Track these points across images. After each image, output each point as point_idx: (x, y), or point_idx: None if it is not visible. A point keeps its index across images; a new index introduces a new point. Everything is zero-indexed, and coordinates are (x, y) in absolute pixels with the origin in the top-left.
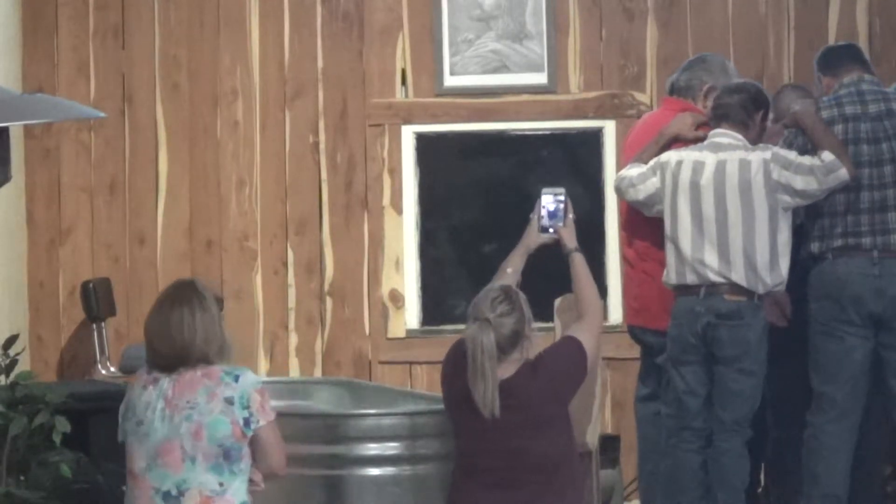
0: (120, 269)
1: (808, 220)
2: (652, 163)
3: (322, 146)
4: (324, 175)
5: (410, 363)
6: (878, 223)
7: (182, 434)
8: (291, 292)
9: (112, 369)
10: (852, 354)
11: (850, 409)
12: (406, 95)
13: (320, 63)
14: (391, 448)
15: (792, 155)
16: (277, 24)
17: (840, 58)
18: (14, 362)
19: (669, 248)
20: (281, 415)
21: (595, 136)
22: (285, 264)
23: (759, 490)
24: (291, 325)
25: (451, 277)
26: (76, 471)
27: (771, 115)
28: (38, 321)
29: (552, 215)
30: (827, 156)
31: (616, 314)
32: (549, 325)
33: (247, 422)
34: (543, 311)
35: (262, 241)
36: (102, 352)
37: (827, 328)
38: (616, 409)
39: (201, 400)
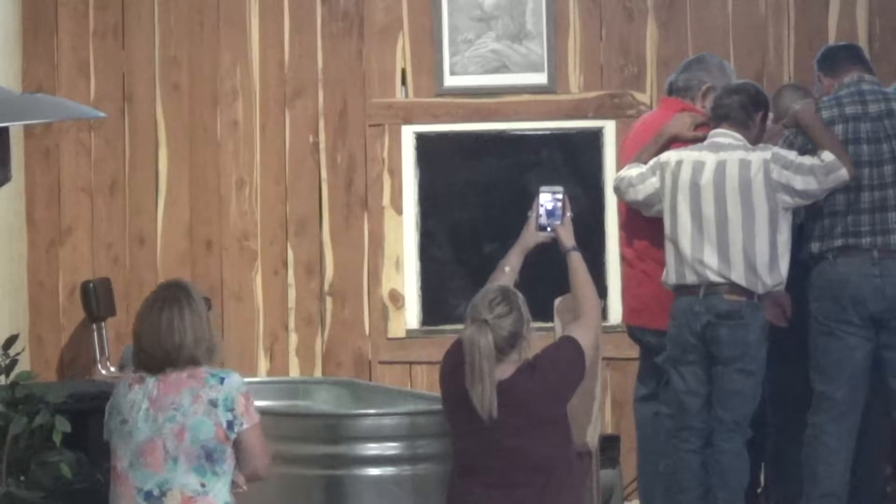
0: (120, 269)
1: (809, 220)
2: (651, 163)
3: (322, 146)
4: (324, 175)
5: (410, 363)
6: (878, 223)
7: (165, 434)
8: (291, 292)
9: (112, 369)
10: (852, 354)
11: (850, 409)
12: (406, 95)
13: (320, 63)
14: (391, 448)
15: (792, 155)
16: (277, 24)
17: (841, 58)
18: (14, 362)
19: (669, 247)
20: (281, 415)
21: (595, 136)
22: (285, 264)
23: (759, 490)
24: (291, 325)
25: (451, 277)
26: (76, 471)
27: (771, 115)
28: (38, 321)
29: (550, 214)
30: (827, 156)
31: (616, 314)
32: (549, 325)
33: (230, 424)
34: (543, 312)
35: (262, 241)
36: (102, 352)
37: (827, 328)
38: (616, 409)
39: (185, 401)
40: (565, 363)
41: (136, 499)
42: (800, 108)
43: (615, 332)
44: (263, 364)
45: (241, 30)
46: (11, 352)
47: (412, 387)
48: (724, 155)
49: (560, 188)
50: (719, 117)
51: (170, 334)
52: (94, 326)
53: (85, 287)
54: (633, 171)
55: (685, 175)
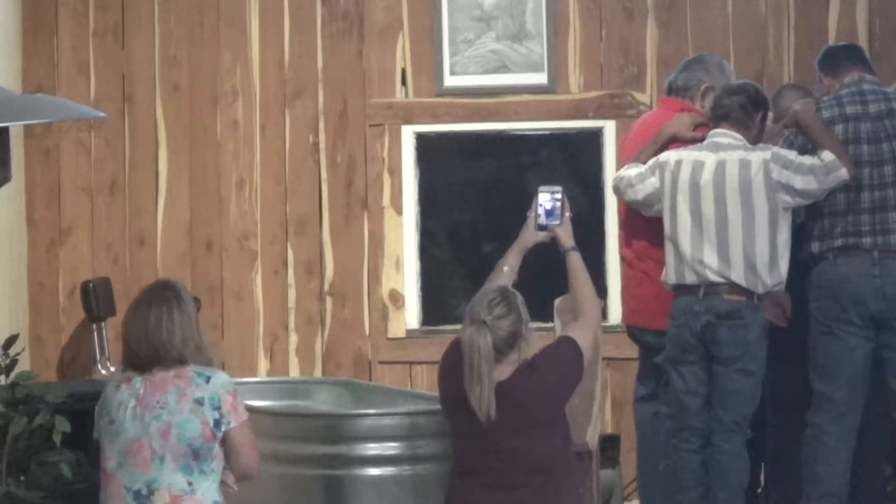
0: (120, 269)
1: (809, 219)
2: (651, 163)
3: (322, 146)
4: (324, 175)
5: (410, 363)
6: (878, 223)
7: (151, 433)
8: (291, 292)
9: (112, 369)
10: (853, 354)
11: (850, 409)
12: (406, 95)
13: (320, 63)
14: (391, 448)
15: (792, 155)
16: (277, 24)
17: (841, 58)
18: (14, 362)
19: (669, 247)
20: (281, 415)
21: (595, 136)
22: (285, 264)
23: (759, 490)
24: (291, 325)
25: (451, 277)
26: (76, 471)
27: (770, 115)
28: (38, 321)
29: (549, 213)
30: (827, 155)
31: (616, 314)
32: (549, 325)
33: (217, 422)
34: (543, 312)
35: (262, 241)
36: (102, 352)
37: (827, 328)
38: (616, 409)
39: (171, 400)
40: (564, 363)
41: (125, 498)
42: (800, 107)
43: (615, 332)
44: (263, 364)
45: (241, 30)
46: (11, 352)
47: (412, 387)
48: (723, 155)
49: (559, 188)
50: (719, 117)
51: (158, 333)
52: (94, 326)
53: (85, 287)
54: (632, 170)
55: (685, 175)
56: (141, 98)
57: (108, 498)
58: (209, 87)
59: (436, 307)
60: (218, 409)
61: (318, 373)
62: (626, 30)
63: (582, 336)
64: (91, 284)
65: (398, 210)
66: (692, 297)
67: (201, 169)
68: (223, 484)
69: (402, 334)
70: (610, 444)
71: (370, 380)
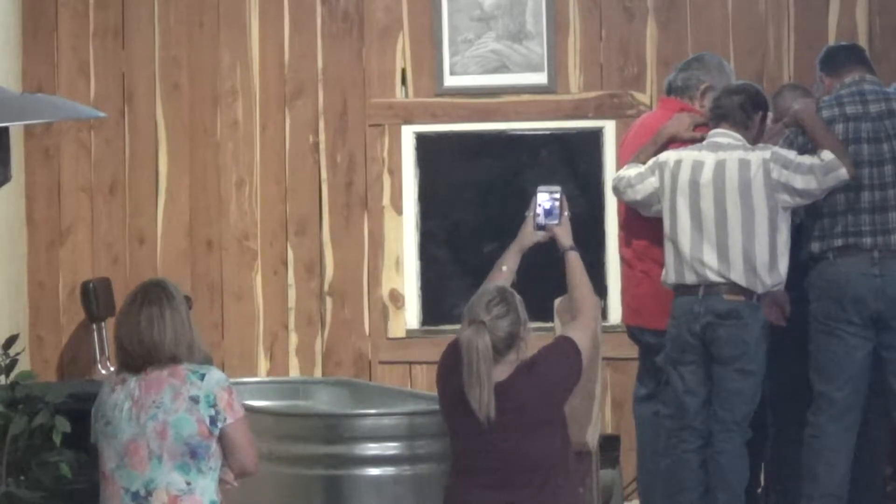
0: (120, 269)
1: (809, 219)
2: (650, 163)
3: (322, 146)
4: (324, 175)
5: (410, 363)
6: (878, 223)
7: (148, 433)
8: (291, 292)
9: (112, 369)
10: (853, 354)
11: (851, 409)
12: (406, 95)
13: (320, 63)
14: (391, 448)
15: (791, 154)
16: (277, 24)
17: (842, 58)
18: (14, 362)
19: (668, 247)
20: (281, 415)
21: (595, 136)
22: (285, 264)
23: (759, 490)
24: (291, 325)
25: (450, 277)
26: (76, 471)
27: (770, 115)
28: (38, 321)
29: (548, 213)
30: (827, 155)
31: (615, 314)
32: (549, 325)
33: (213, 420)
34: (542, 312)
35: (262, 241)
36: (102, 352)
37: (827, 328)
38: (616, 409)
39: (166, 399)
40: (562, 363)
41: (124, 499)
42: (800, 107)
43: (615, 332)
44: (263, 364)
45: (241, 30)
46: (11, 352)
47: (412, 387)
48: (723, 154)
49: (558, 188)
50: (718, 117)
51: (150, 333)
52: (94, 326)
53: (85, 287)
54: (631, 171)
55: (684, 175)
56: (141, 98)
57: (106, 500)
58: (209, 87)
59: (436, 307)
60: (213, 406)
61: (318, 373)
62: (626, 30)
63: (580, 336)
64: (91, 284)
65: (398, 210)
66: (692, 297)
67: (201, 169)
68: (222, 482)
69: (402, 334)
70: (610, 444)
71: (370, 380)
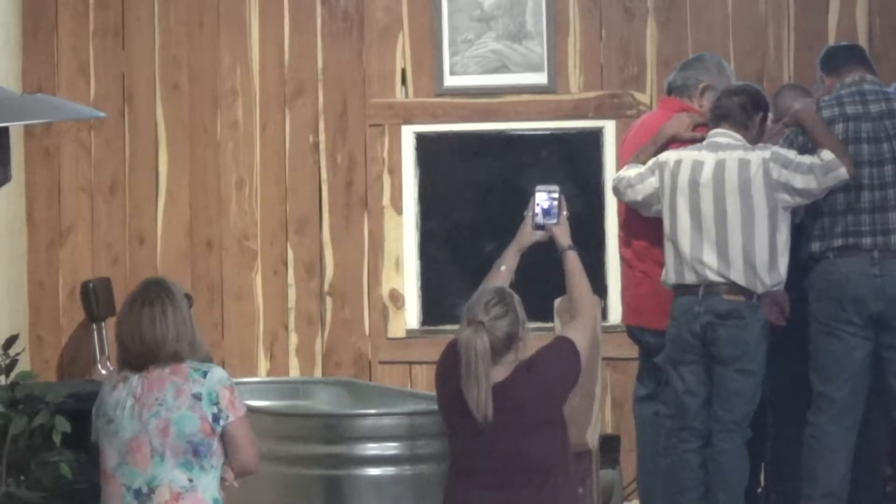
0: (120, 269)
1: (809, 219)
2: (650, 163)
3: (322, 146)
4: (324, 175)
5: (410, 363)
6: (878, 223)
7: (150, 431)
8: (291, 292)
9: (112, 369)
10: (853, 354)
11: (851, 409)
12: (406, 95)
13: (320, 63)
14: (391, 448)
15: (791, 154)
16: (277, 24)
17: (843, 58)
18: (14, 362)
19: (668, 247)
20: (281, 415)
21: (595, 136)
22: (285, 264)
23: (759, 490)
24: (291, 325)
25: (450, 277)
26: (76, 471)
27: (770, 115)
28: (38, 321)
29: (546, 213)
30: (826, 154)
31: (615, 314)
32: (549, 325)
33: (215, 417)
34: (542, 312)
35: (262, 241)
36: (102, 352)
37: (827, 328)
38: (616, 409)
39: (169, 396)
40: (561, 364)
41: (126, 497)
42: (800, 107)
43: (615, 332)
44: (263, 364)
45: (241, 30)
46: (11, 352)
47: (412, 387)
48: (723, 154)
49: (556, 187)
50: (719, 117)
51: (152, 331)
52: (94, 326)
53: (85, 287)
54: (631, 171)
55: (684, 174)
56: (141, 98)
57: (108, 498)
58: (209, 87)
59: (436, 307)
60: (216, 403)
61: (318, 373)
62: (626, 30)
63: (579, 336)
64: (91, 284)
65: (398, 210)
66: (692, 297)
67: (201, 169)
68: (222, 480)
69: (402, 334)
70: (610, 444)
71: (370, 380)
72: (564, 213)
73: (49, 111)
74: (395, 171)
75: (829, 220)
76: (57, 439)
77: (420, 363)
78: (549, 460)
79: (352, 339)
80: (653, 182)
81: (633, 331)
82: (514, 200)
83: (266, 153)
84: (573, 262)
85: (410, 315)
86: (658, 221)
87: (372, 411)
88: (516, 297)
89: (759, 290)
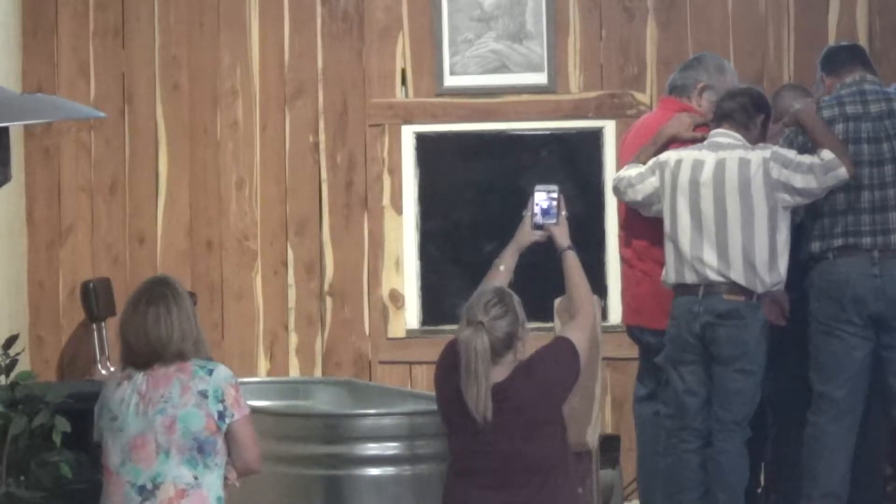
0: (120, 269)
1: (809, 219)
2: (651, 162)
3: (322, 146)
4: (324, 175)
5: (410, 363)
6: (878, 223)
7: (156, 427)
8: (291, 292)
9: (112, 369)
10: (853, 354)
11: (850, 409)
12: (406, 95)
13: (320, 63)
14: (391, 448)
15: (791, 153)
16: (277, 24)
17: (843, 58)
18: (14, 362)
19: (668, 246)
20: (281, 415)
21: (595, 136)
22: (285, 264)
23: (759, 490)
24: (291, 325)
25: (451, 277)
26: (76, 471)
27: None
28: (38, 321)
29: (545, 213)
30: (826, 154)
31: (616, 314)
32: (549, 325)
33: (221, 415)
34: (542, 312)
35: (262, 241)
36: (102, 352)
37: (827, 328)
38: (616, 409)
39: (175, 393)
40: (560, 364)
41: (130, 494)
42: (800, 107)
43: (615, 332)
44: (263, 364)
45: (241, 30)
46: (11, 352)
47: (412, 387)
48: (723, 154)
49: (555, 187)
50: (720, 118)
51: (157, 330)
52: (94, 326)
53: (85, 287)
54: (631, 171)
55: (685, 174)
56: (141, 98)
57: (110, 496)
58: (209, 87)
59: (436, 307)
60: (221, 401)
61: (318, 373)
62: (626, 30)
63: (578, 336)
64: (91, 284)
65: (398, 210)
66: (692, 296)
67: (201, 169)
68: (225, 479)
69: (402, 334)
70: (610, 444)
71: (370, 380)
72: (563, 213)
73: (49, 111)
74: (395, 171)
75: (829, 220)
76: (57, 439)
77: (420, 363)
78: (548, 460)
79: (352, 339)
80: (653, 182)
81: (633, 330)
82: (514, 200)
83: (266, 153)
84: (572, 262)
85: (410, 315)
86: (658, 221)
87: (372, 411)
88: (516, 298)
89: (759, 289)
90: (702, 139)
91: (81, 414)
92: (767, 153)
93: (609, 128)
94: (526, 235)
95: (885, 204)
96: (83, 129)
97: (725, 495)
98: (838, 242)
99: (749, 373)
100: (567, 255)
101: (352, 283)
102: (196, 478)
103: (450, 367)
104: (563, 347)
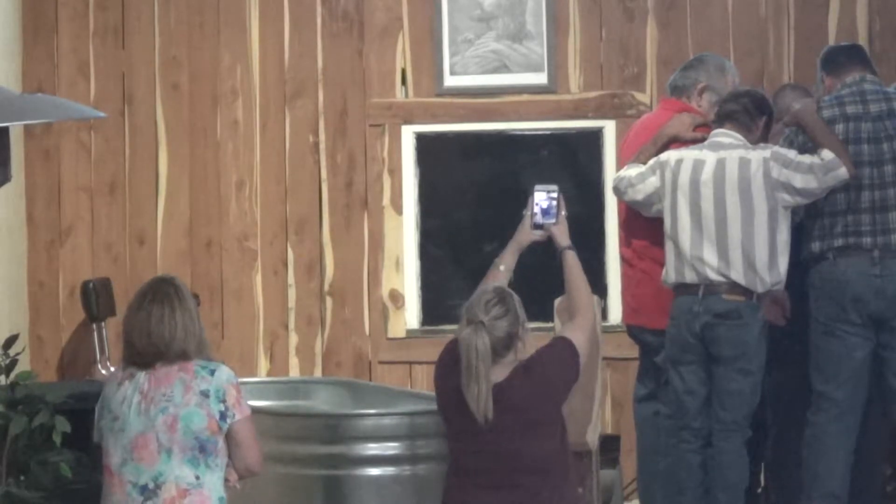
0: (120, 269)
1: (809, 219)
2: (651, 162)
3: (322, 146)
4: (324, 175)
5: (410, 363)
6: (878, 223)
7: (157, 427)
8: (291, 292)
9: (112, 369)
10: (853, 354)
11: (850, 409)
12: (406, 95)
13: (320, 63)
14: (391, 448)
15: (792, 153)
16: (277, 24)
17: (843, 58)
18: (14, 362)
19: (669, 246)
20: (281, 415)
21: (595, 136)
22: (285, 264)
23: (759, 490)
24: (291, 325)
25: (451, 277)
26: (76, 471)
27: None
28: (38, 321)
29: (545, 212)
30: (827, 154)
31: (616, 314)
32: (549, 325)
33: (223, 415)
34: (542, 312)
35: (262, 241)
36: (102, 352)
37: (827, 328)
38: (616, 409)
39: (177, 392)
40: (560, 364)
41: (131, 494)
42: (800, 107)
43: (615, 332)
44: (263, 364)
45: (241, 30)
46: (11, 352)
47: (412, 387)
48: (723, 153)
49: (555, 186)
50: (722, 118)
51: (160, 329)
52: (94, 326)
53: (85, 287)
54: (632, 171)
55: (685, 173)
56: (141, 98)
57: (111, 496)
58: (209, 87)
59: (436, 307)
60: (223, 401)
61: (318, 373)
62: (626, 30)
63: (578, 336)
64: (91, 284)
65: (398, 210)
66: (692, 296)
67: (201, 169)
68: (226, 481)
69: (402, 334)
70: (610, 444)
71: (370, 380)
72: (563, 212)
73: (49, 111)
74: (395, 171)
75: (829, 220)
76: (57, 439)
77: (420, 363)
78: (548, 460)
79: (352, 339)
80: (654, 181)
81: (633, 330)
82: (514, 200)
83: (266, 153)
84: (572, 262)
85: (410, 315)
86: (658, 221)
87: (372, 411)
88: (516, 297)
89: (760, 289)
90: (702, 139)
91: (81, 414)
92: (768, 153)
93: (609, 128)
94: (526, 235)
95: (885, 204)
96: (83, 129)
97: (725, 495)
98: (838, 242)
99: (749, 373)
100: (567, 255)
101: (352, 283)
102: (198, 477)
103: (450, 367)
104: (562, 347)
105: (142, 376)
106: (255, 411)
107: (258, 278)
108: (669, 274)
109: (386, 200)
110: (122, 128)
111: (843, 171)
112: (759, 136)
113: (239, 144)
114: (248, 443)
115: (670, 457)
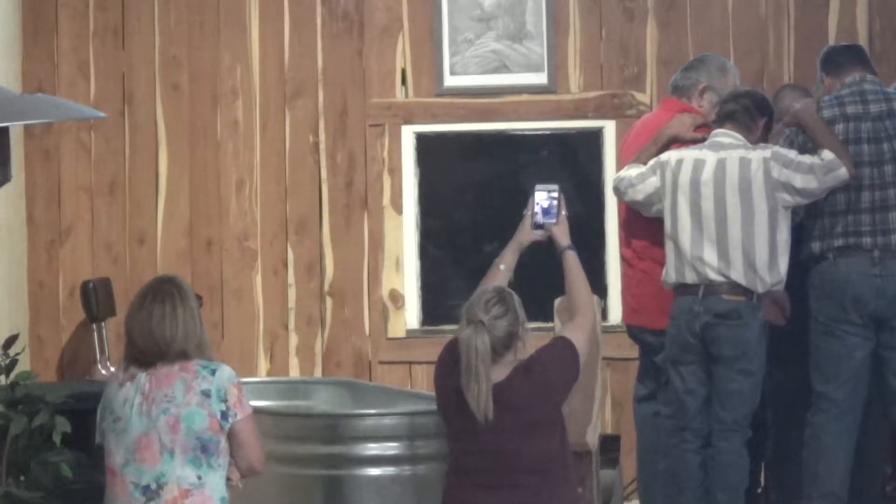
0: (120, 269)
1: (809, 219)
2: (652, 162)
3: (322, 146)
4: (324, 175)
5: (410, 363)
6: (878, 223)
7: (159, 427)
8: (291, 292)
9: (112, 369)
10: (853, 354)
11: (851, 409)
12: (406, 95)
13: (320, 63)
14: (391, 448)
15: (792, 153)
16: (277, 24)
17: (843, 58)
18: (14, 362)
19: (669, 246)
20: (281, 415)
21: (595, 136)
22: (285, 264)
23: (759, 490)
24: (291, 325)
25: (451, 277)
26: (76, 471)
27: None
28: (38, 321)
29: (546, 212)
30: (827, 154)
31: (616, 314)
32: (549, 325)
33: (224, 415)
34: (542, 312)
35: (262, 241)
36: (102, 352)
37: (828, 328)
38: (616, 409)
39: (178, 393)
40: (560, 364)
41: (133, 495)
42: (800, 107)
43: (615, 332)
44: (263, 364)
45: (241, 30)
46: (11, 352)
47: (412, 387)
48: (724, 153)
49: (555, 186)
50: (723, 118)
51: (161, 329)
52: (94, 326)
53: (85, 287)
54: (632, 171)
55: (685, 173)
56: (141, 98)
57: (114, 497)
58: (209, 87)
59: (436, 307)
60: (224, 401)
61: (318, 373)
62: (626, 30)
63: (578, 336)
64: (91, 284)
65: (398, 210)
66: (692, 296)
67: (201, 169)
68: (228, 480)
69: (402, 334)
70: (610, 444)
71: (370, 380)
72: (564, 212)
73: (49, 111)
74: (395, 171)
75: (829, 220)
76: (57, 439)
77: (420, 363)
78: (548, 460)
79: (352, 339)
80: (654, 181)
81: (633, 330)
82: (513, 200)
83: (266, 153)
84: (572, 262)
85: (410, 315)
86: (658, 221)
87: (372, 411)
88: (516, 297)
89: (760, 289)
90: (702, 139)
91: (81, 414)
92: (768, 153)
93: (609, 128)
94: (526, 235)
95: (885, 204)
96: (83, 129)
97: (725, 495)
98: (839, 242)
99: (749, 373)
100: (567, 255)
101: (352, 283)
102: (200, 478)
103: (450, 367)
104: (562, 347)
105: (143, 377)
106: (255, 411)
107: (258, 278)
108: (669, 274)
109: (386, 200)
110: (122, 128)
111: (843, 172)
112: (760, 137)
113: (239, 144)
114: (250, 442)
115: (670, 457)
